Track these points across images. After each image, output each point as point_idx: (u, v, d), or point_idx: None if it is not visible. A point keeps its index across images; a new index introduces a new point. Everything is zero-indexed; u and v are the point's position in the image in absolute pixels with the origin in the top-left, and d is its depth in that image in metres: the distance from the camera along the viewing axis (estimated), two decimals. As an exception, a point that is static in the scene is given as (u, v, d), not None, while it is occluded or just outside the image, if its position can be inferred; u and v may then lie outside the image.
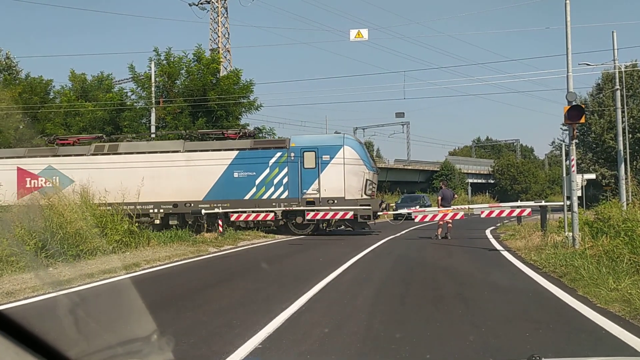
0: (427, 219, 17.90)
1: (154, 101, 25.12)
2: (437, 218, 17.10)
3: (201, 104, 24.97)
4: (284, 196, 18.81)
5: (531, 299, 6.92)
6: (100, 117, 25.08)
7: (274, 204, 18.76)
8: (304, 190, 18.66)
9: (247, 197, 18.93)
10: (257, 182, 18.87)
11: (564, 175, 12.71)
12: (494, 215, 17.84)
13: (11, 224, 11.14)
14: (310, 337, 5.08)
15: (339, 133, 21.09)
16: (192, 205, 19.00)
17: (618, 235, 9.62)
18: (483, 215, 17.94)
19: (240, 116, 27.54)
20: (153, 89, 25.27)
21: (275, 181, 18.89)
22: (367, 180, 18.64)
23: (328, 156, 18.62)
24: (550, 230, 13.70)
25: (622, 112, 24.74)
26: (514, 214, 17.77)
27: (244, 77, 27.02)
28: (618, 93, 23.52)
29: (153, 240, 14.83)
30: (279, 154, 18.91)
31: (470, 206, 17.98)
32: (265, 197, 18.85)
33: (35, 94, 27.55)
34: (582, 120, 11.58)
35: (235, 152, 19.20)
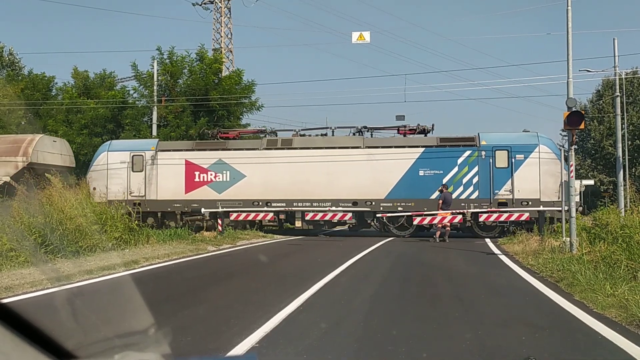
0: (425, 222, 17.96)
1: (155, 100, 25.15)
2: (436, 221, 17.18)
3: (203, 104, 25.02)
4: (473, 196, 17.97)
5: (528, 303, 6.95)
6: (102, 115, 25.06)
7: (462, 204, 17.86)
8: (496, 191, 17.79)
9: (433, 197, 17.91)
10: (445, 181, 17.89)
11: (563, 180, 12.74)
12: (492, 219, 17.87)
13: (11, 219, 11.17)
14: (308, 336, 5.11)
15: (528, 131, 20.19)
16: (373, 203, 18.31)
17: (615, 242, 9.67)
18: (481, 219, 17.95)
19: (241, 116, 27.58)
20: (155, 87, 25.29)
21: (465, 181, 18.04)
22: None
23: (522, 155, 17.59)
24: (548, 235, 13.73)
25: (622, 118, 24.79)
26: (512, 218, 17.80)
27: (246, 77, 27.04)
28: (618, 100, 23.57)
29: (152, 238, 14.86)
30: (468, 152, 18.07)
31: (469, 210, 17.90)
32: (452, 197, 17.73)
33: (37, 90, 27.56)
34: (582, 126, 11.62)
35: (421, 150, 18.36)
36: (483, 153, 18.01)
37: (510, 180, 17.78)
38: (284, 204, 18.73)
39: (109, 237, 12.49)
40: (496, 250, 13.73)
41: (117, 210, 13.99)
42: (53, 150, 20.28)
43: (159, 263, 11.03)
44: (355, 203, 18.44)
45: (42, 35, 77.09)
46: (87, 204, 12.96)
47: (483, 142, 18.12)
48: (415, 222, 18.08)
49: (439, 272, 10.10)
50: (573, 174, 11.80)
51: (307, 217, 18.77)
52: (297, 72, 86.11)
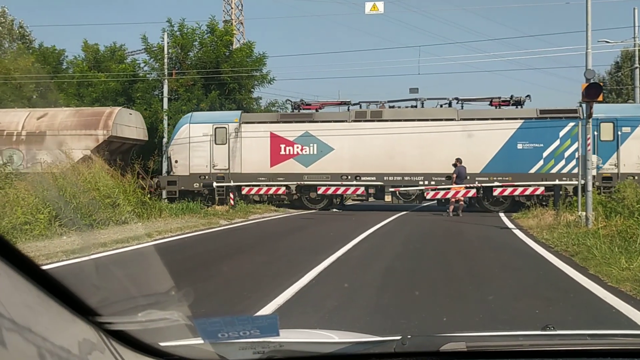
0: (439, 196, 17.88)
1: (166, 73, 25.02)
2: (450, 195, 17.08)
3: (214, 77, 24.85)
4: (576, 171, 17.01)
5: (542, 277, 6.91)
6: (112, 88, 25.04)
7: (564, 178, 17.25)
8: (600, 165, 17.07)
9: (532, 171, 17.49)
10: (545, 154, 17.42)
11: (579, 154, 12.55)
12: (506, 193, 17.72)
13: (26, 192, 11.27)
14: (321, 309, 5.12)
15: (632, 101, 19.30)
16: (468, 177, 17.40)
17: (632, 216, 9.56)
18: (496, 194, 17.80)
19: (252, 89, 27.40)
20: (166, 60, 25.11)
21: (566, 154, 17.38)
22: None
23: (629, 128, 16.83)
24: (563, 210, 13.60)
25: (641, 91, 24.19)
26: (527, 192, 17.62)
27: (257, 49, 26.74)
28: (637, 72, 23.01)
29: (165, 211, 14.97)
30: (571, 125, 17.17)
31: (484, 184, 17.71)
32: (554, 171, 17.42)
33: (48, 63, 27.54)
34: (600, 98, 11.39)
35: (520, 122, 17.71)
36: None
37: (615, 154, 17.14)
38: (374, 178, 18.43)
39: (121, 211, 12.59)
40: (510, 225, 13.65)
41: (131, 184, 14.05)
42: (130, 124, 19.97)
43: (172, 237, 11.11)
44: (449, 177, 17.71)
45: (51, 8, 76.80)
46: (100, 177, 13.03)
47: None
48: (428, 197, 17.98)
49: (451, 247, 10.07)
50: (590, 147, 11.58)
51: (319, 191, 18.77)
52: (309, 44, 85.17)
